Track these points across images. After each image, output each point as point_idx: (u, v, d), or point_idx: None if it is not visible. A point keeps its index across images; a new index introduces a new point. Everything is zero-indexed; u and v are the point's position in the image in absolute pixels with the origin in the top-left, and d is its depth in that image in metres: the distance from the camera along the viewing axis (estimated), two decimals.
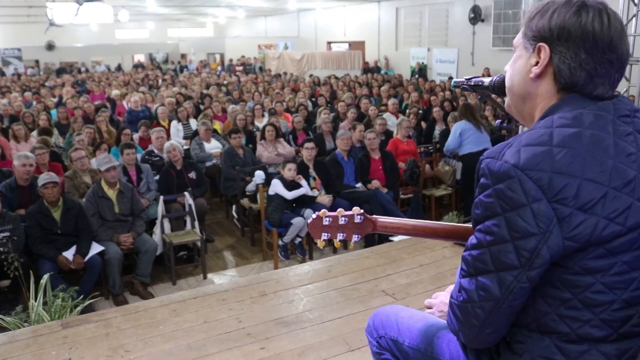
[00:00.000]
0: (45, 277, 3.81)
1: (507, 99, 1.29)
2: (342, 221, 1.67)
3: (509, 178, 1.05)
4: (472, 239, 1.16)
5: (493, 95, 1.77)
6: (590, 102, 1.13)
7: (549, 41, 1.13)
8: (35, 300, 3.61)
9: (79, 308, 3.69)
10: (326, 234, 1.67)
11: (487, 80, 1.70)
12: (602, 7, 1.12)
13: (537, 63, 1.16)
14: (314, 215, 1.68)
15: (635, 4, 6.75)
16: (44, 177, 4.85)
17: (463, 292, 1.17)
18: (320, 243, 1.69)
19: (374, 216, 1.70)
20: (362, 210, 1.68)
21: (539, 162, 1.04)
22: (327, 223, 1.67)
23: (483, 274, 1.12)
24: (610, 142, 1.08)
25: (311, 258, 5.84)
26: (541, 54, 1.15)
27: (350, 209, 1.69)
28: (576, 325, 1.10)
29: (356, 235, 1.69)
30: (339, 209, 1.70)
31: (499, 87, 1.66)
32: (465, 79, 1.78)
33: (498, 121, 2.06)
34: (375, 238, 5.94)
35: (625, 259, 1.07)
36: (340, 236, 1.68)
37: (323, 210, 1.69)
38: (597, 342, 1.10)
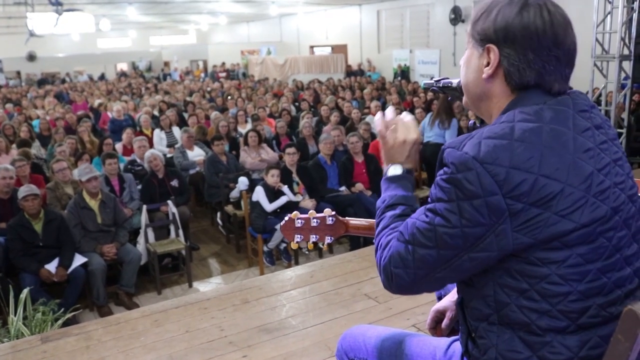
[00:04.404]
0: (25, 291, 3.77)
1: (464, 97, 1.28)
2: (314, 223, 1.66)
3: (467, 170, 1.06)
4: (422, 213, 1.16)
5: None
6: (549, 97, 1.14)
7: (495, 43, 1.14)
8: (15, 315, 3.57)
9: (60, 321, 3.65)
10: (299, 236, 1.67)
11: (455, 82, 1.71)
12: (542, 2, 1.12)
13: (488, 64, 1.16)
14: (286, 218, 1.68)
15: (610, 2, 6.83)
16: (24, 190, 4.80)
17: (396, 257, 1.17)
18: (293, 245, 1.68)
19: (347, 218, 1.70)
20: (333, 212, 1.68)
21: (498, 156, 1.05)
22: (299, 225, 1.66)
23: (422, 247, 1.13)
24: (569, 137, 1.08)
25: (297, 263, 5.82)
26: (491, 54, 1.15)
27: (335, 213, 1.69)
28: (535, 317, 1.10)
29: (329, 237, 1.67)
30: (311, 211, 1.69)
31: None
32: (435, 81, 1.78)
33: (471, 121, 2.04)
34: (360, 241, 5.94)
35: (579, 251, 1.07)
36: (313, 238, 1.67)
37: (295, 212, 1.68)
38: (558, 333, 1.10)
